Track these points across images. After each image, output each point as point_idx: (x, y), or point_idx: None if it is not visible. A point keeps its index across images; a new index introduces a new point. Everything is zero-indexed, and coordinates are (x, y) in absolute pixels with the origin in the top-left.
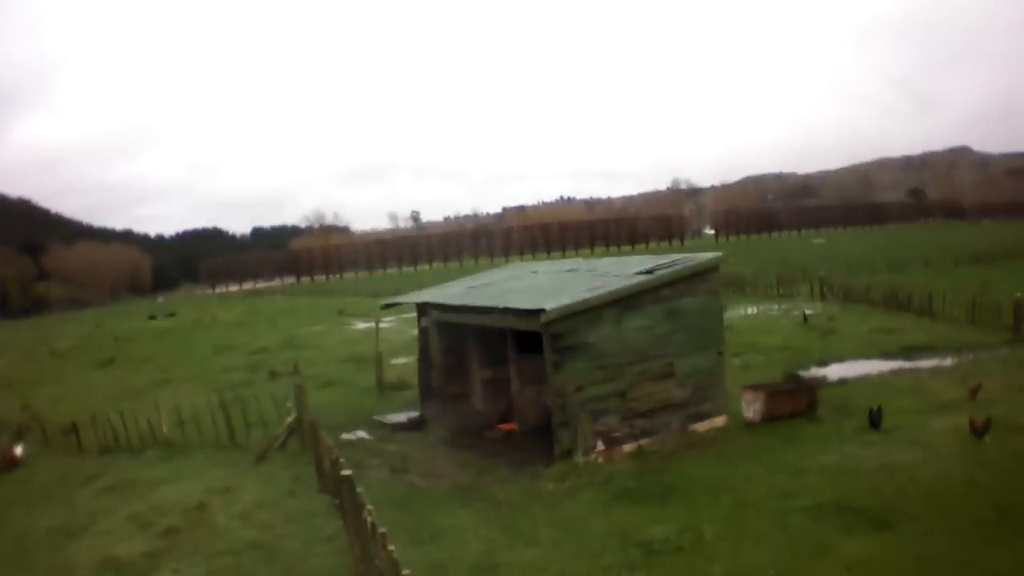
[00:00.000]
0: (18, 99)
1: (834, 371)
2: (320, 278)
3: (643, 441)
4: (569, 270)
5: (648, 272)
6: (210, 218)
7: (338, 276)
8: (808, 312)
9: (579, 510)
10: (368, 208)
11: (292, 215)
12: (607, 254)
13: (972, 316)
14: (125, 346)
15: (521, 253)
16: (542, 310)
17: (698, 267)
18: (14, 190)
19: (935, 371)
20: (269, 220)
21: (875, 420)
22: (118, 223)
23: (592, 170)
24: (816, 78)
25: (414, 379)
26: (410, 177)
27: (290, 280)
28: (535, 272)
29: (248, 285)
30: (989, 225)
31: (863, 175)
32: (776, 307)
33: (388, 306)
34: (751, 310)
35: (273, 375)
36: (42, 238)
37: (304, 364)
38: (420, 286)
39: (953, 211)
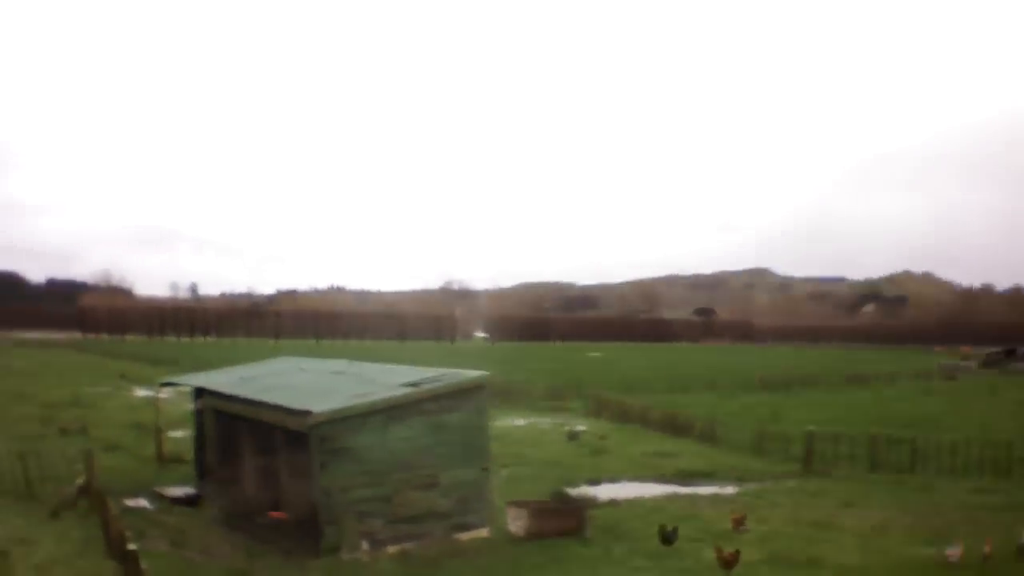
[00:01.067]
0: None
1: (605, 491)
2: (105, 336)
3: (407, 545)
4: (336, 372)
5: (414, 384)
6: (4, 261)
7: (121, 338)
8: (578, 429)
9: None
10: (151, 273)
11: (81, 270)
12: (376, 348)
13: (758, 445)
14: None
15: (292, 336)
16: (309, 412)
17: (463, 384)
18: None
19: (713, 499)
20: (61, 272)
21: (669, 538)
22: None
23: (363, 261)
24: (604, 191)
25: (190, 453)
26: (191, 248)
27: (77, 335)
28: (303, 370)
29: (44, 334)
30: (783, 350)
31: (648, 289)
32: (547, 420)
33: (166, 384)
34: (520, 421)
35: (63, 432)
36: None
37: (89, 424)
38: (196, 359)
39: (745, 333)
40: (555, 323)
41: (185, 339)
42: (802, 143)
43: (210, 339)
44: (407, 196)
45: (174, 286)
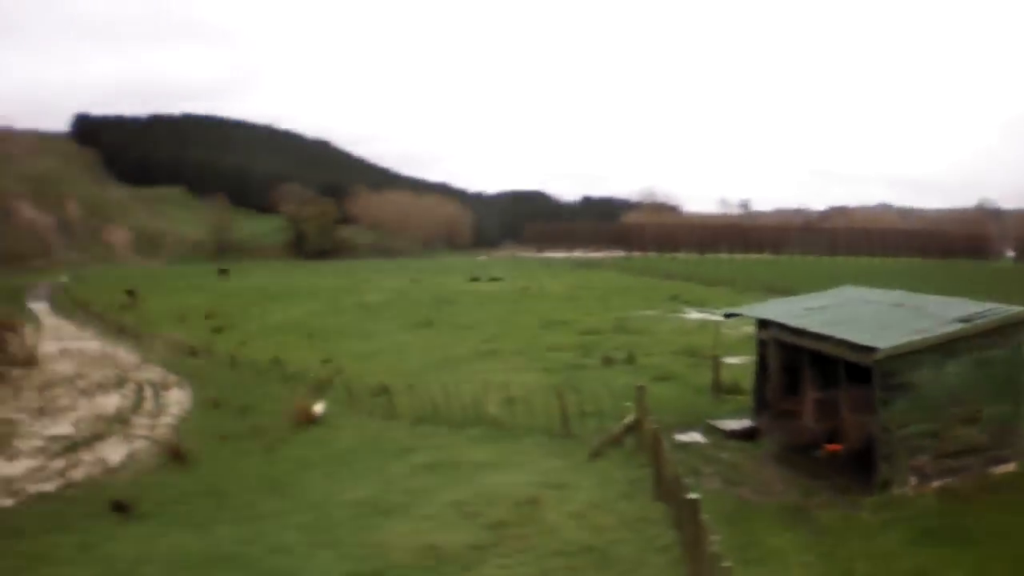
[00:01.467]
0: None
1: None
2: (652, 254)
3: (948, 480)
4: (896, 304)
5: (966, 320)
6: (532, 181)
7: (670, 256)
8: None
9: (890, 545)
10: (695, 189)
11: (617, 188)
12: (919, 265)
13: None
14: (445, 308)
15: (845, 253)
16: (875, 348)
17: (1010, 319)
18: (310, 131)
19: None
20: (594, 190)
21: None
22: (431, 174)
23: (905, 179)
24: None
25: (747, 383)
26: (739, 163)
27: (619, 253)
28: (867, 302)
29: (576, 253)
30: None
31: None
32: None
33: (730, 315)
34: None
35: (607, 361)
36: (344, 182)
37: (637, 351)
38: (749, 278)
39: None
40: None
41: (738, 256)
42: None
43: (763, 256)
44: (940, 104)
45: (724, 202)
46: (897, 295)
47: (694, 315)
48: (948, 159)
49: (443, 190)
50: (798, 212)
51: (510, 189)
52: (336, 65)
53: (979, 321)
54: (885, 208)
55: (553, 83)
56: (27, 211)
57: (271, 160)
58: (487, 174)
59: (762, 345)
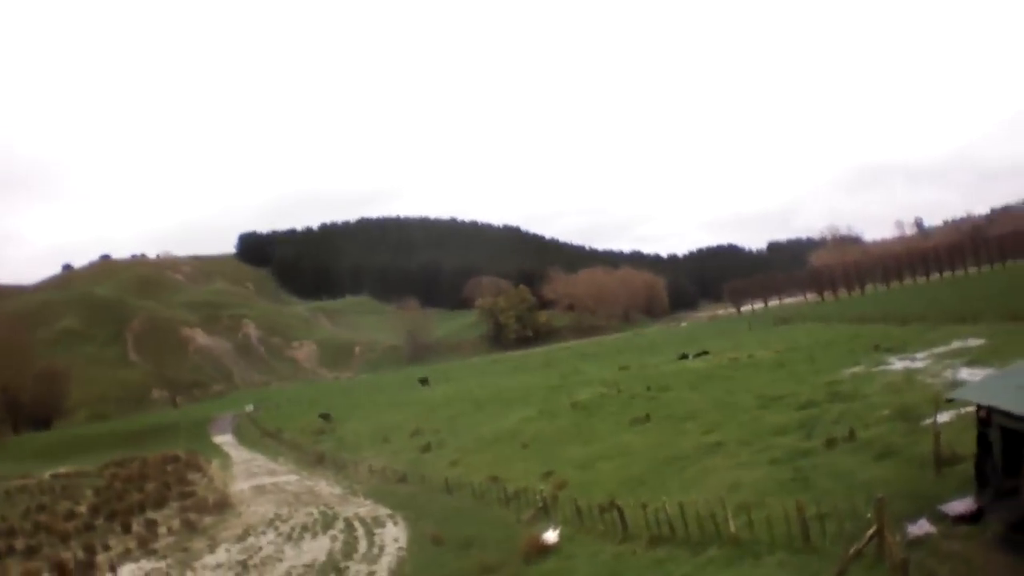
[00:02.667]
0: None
1: None
2: (842, 294)
3: None
4: None
5: None
6: (720, 234)
7: (858, 291)
8: None
9: None
10: (873, 215)
11: (800, 227)
12: None
13: None
14: (659, 397)
15: (1015, 258)
16: None
17: None
18: (497, 219)
19: None
20: (778, 233)
21: None
22: (621, 244)
23: None
24: None
25: (964, 447)
26: (904, 179)
27: (812, 296)
28: None
29: (772, 302)
30: None
31: None
32: None
33: (951, 400)
34: None
35: (830, 443)
36: (538, 266)
37: (855, 422)
38: (939, 309)
39: None
40: None
41: (920, 280)
42: None
43: (944, 277)
44: None
45: (899, 224)
46: None
47: (897, 364)
48: None
49: (636, 259)
50: (965, 220)
51: (699, 247)
52: (512, 149)
53: None
54: None
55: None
56: (200, 338)
57: (459, 254)
58: (677, 235)
59: (982, 422)
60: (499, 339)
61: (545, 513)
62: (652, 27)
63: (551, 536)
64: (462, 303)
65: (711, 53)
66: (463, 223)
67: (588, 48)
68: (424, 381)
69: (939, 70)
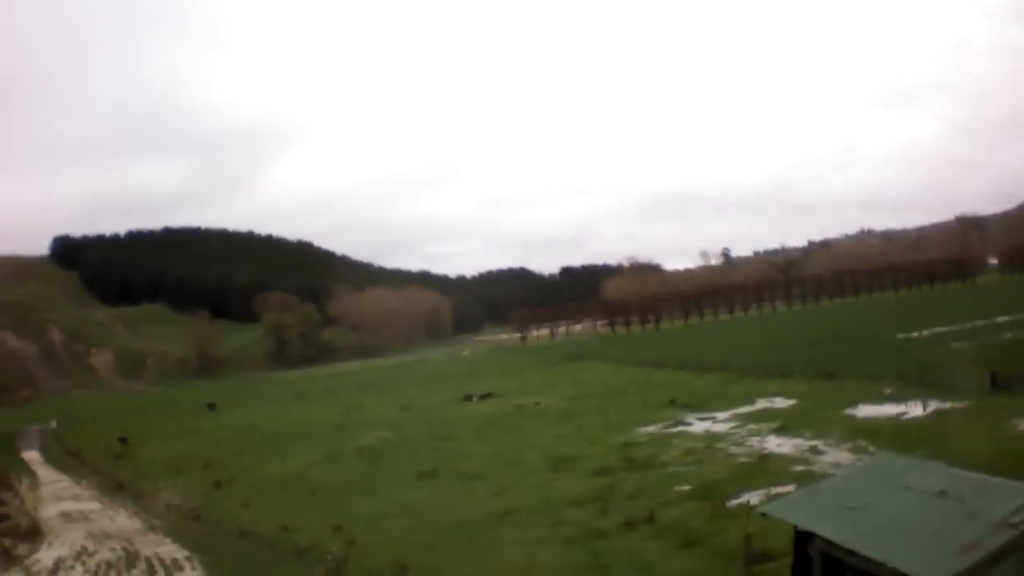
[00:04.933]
0: (289, 141)
1: None
2: (636, 328)
3: None
4: (939, 493)
5: (1015, 525)
6: (510, 256)
7: (654, 324)
8: None
9: None
10: (673, 244)
11: (596, 253)
12: (910, 295)
13: None
14: (444, 446)
15: (831, 297)
16: None
17: None
18: (292, 233)
19: None
20: (574, 258)
21: None
22: (411, 262)
23: (878, 201)
24: None
25: (775, 538)
26: (712, 210)
27: (603, 326)
28: (908, 490)
29: (561, 330)
30: None
31: None
32: None
33: (764, 515)
34: None
35: (628, 525)
36: (328, 282)
37: (650, 496)
38: (737, 351)
39: None
40: None
41: (723, 316)
42: None
43: (750, 314)
44: (909, 126)
45: (704, 254)
46: (937, 474)
47: (698, 427)
48: (920, 173)
49: (424, 278)
50: (778, 253)
51: (489, 269)
52: (311, 161)
53: None
54: (866, 234)
55: (508, 155)
56: (11, 341)
57: (252, 268)
58: (468, 255)
59: (799, 535)
60: (282, 355)
61: (337, 573)
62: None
63: None
64: (251, 317)
65: (513, 69)
66: (258, 236)
67: (375, 58)
68: (212, 407)
69: (751, 103)
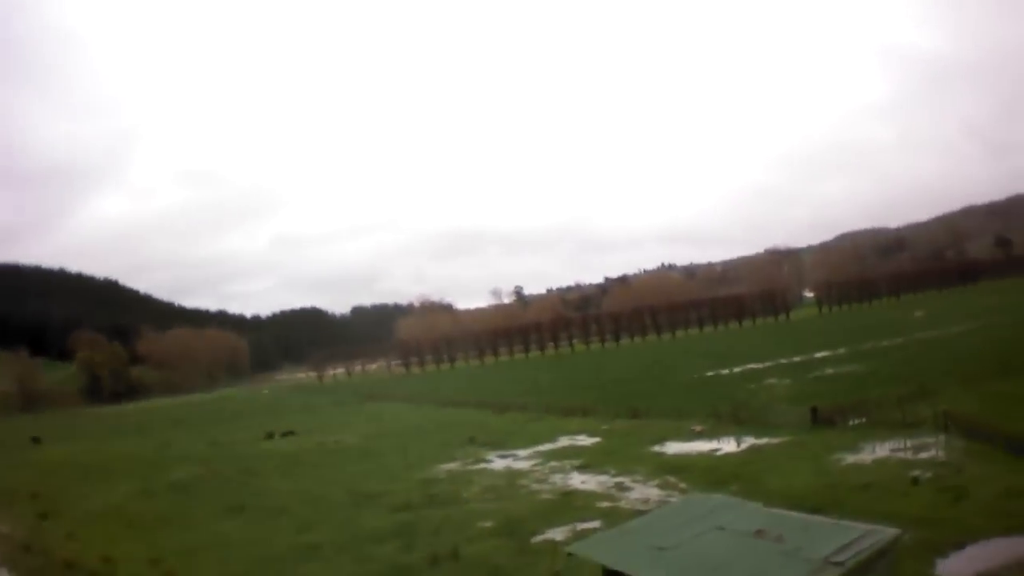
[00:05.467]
0: (92, 177)
1: None
2: (431, 367)
3: None
4: (757, 533)
5: (839, 564)
6: (303, 296)
7: (448, 364)
8: (915, 474)
9: None
10: (465, 282)
11: (388, 291)
12: (716, 332)
13: None
14: (250, 482)
15: (631, 335)
16: None
17: (883, 549)
18: (99, 270)
19: None
20: (365, 297)
21: None
22: (209, 301)
23: (683, 235)
24: (890, 128)
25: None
26: (504, 248)
27: (398, 366)
28: (721, 531)
29: (356, 369)
30: None
31: (951, 225)
32: (900, 447)
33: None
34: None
35: (433, 561)
36: (133, 321)
37: (453, 532)
38: (538, 389)
39: None
40: (876, 281)
41: (519, 355)
42: None
43: (546, 354)
44: (715, 160)
45: (496, 292)
46: (753, 514)
47: (499, 464)
48: (727, 207)
49: (222, 318)
50: (572, 290)
51: (283, 309)
52: (118, 192)
53: (853, 562)
54: (667, 269)
55: (300, 192)
56: None
57: (64, 305)
58: (262, 294)
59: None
60: (95, 392)
61: None
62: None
63: None
64: (66, 354)
65: (299, 106)
66: (69, 272)
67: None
68: (36, 440)
69: (542, 138)
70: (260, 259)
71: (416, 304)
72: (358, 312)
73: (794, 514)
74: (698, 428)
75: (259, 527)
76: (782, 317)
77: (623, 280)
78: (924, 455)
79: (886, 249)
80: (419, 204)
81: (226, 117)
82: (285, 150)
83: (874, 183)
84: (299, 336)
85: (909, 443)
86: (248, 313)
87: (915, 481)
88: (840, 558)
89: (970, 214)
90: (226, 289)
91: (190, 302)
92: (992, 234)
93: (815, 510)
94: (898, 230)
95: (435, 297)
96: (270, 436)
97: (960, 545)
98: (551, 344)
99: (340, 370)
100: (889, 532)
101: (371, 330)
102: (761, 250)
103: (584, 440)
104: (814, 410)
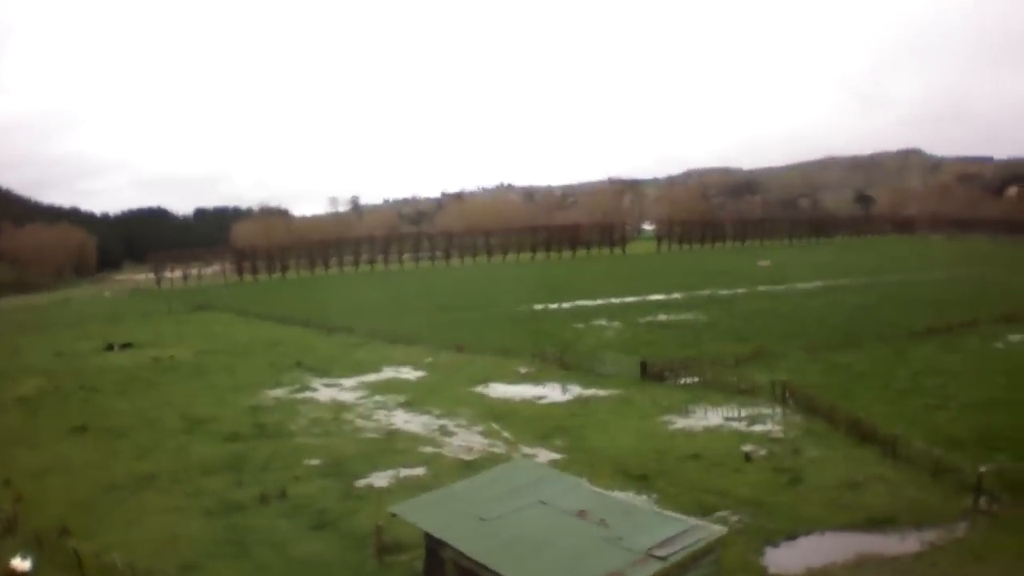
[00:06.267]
0: None
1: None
2: (264, 276)
3: None
4: (579, 513)
5: (662, 558)
6: (151, 195)
7: (280, 274)
8: (749, 449)
9: None
10: (309, 188)
11: (230, 194)
12: (550, 260)
13: (936, 465)
14: (93, 401)
15: (462, 256)
16: None
17: (707, 547)
18: None
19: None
20: (209, 199)
21: None
22: (63, 198)
23: (529, 155)
24: (763, 75)
25: (411, 533)
26: (349, 156)
27: (232, 270)
28: (543, 503)
29: (193, 273)
30: (939, 241)
31: (808, 174)
32: (734, 416)
33: (395, 515)
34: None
35: (263, 500)
36: None
37: (282, 468)
38: (362, 309)
39: (903, 224)
40: (722, 223)
41: (349, 269)
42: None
43: (376, 268)
44: (572, 86)
45: (333, 201)
46: (576, 491)
47: (324, 394)
48: (573, 130)
49: (74, 216)
50: (409, 203)
51: (130, 208)
52: None
53: (675, 558)
54: (505, 190)
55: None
56: None
57: None
58: (113, 192)
59: (430, 538)
60: None
61: (11, 532)
62: None
63: (23, 564)
64: None
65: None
66: None
67: None
68: None
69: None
70: (113, 157)
71: (254, 209)
72: (201, 214)
73: (618, 497)
74: (524, 370)
75: (100, 450)
76: (619, 250)
77: (459, 197)
78: (759, 428)
79: (735, 190)
80: (261, 105)
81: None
82: (141, 50)
83: (728, 122)
84: (144, 235)
85: (743, 412)
86: (98, 211)
87: (748, 457)
88: (663, 552)
89: (830, 165)
90: (80, 186)
91: (47, 198)
92: (852, 188)
93: (641, 478)
94: (750, 172)
95: (273, 202)
96: (110, 348)
97: (792, 535)
98: (382, 259)
99: (177, 274)
100: (714, 530)
101: (213, 233)
102: (604, 178)
103: (408, 373)
104: (644, 364)
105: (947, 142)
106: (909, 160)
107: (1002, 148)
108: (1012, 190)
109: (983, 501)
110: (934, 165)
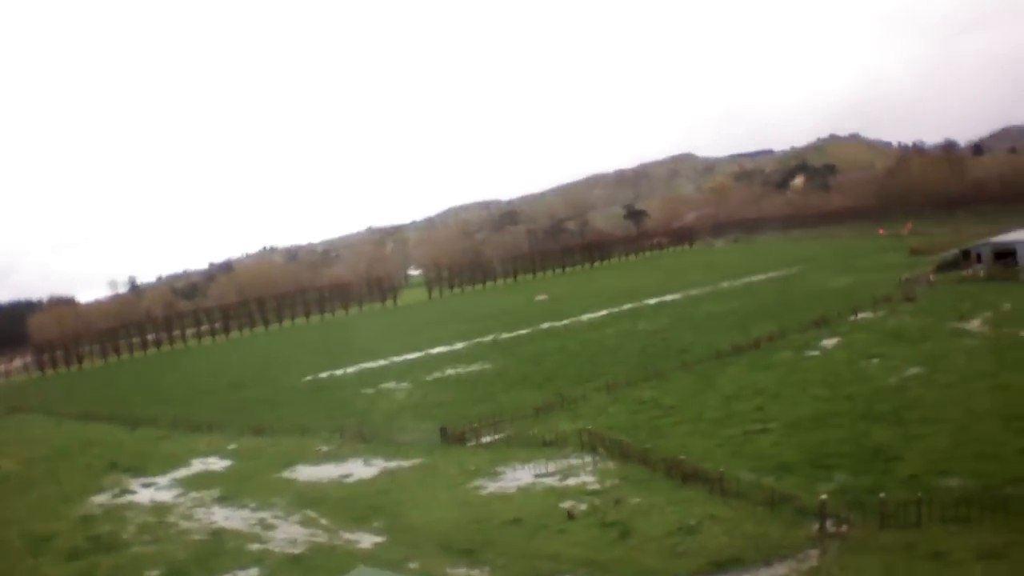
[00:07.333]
0: None
1: None
2: (63, 368)
3: None
4: None
5: None
6: None
7: (77, 365)
8: (569, 505)
9: None
10: (90, 272)
11: (24, 285)
12: (324, 321)
13: (771, 495)
14: None
15: (240, 327)
16: None
17: None
18: None
19: None
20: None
21: None
22: None
23: (289, 214)
24: (516, 97)
25: None
26: (122, 237)
27: (35, 368)
28: None
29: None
30: (725, 247)
31: (573, 194)
32: (545, 472)
33: None
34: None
35: None
36: None
37: None
38: (170, 413)
39: (682, 234)
40: (491, 262)
41: (139, 352)
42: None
43: (163, 349)
44: (325, 136)
45: (113, 283)
46: None
47: (144, 496)
48: (327, 183)
49: None
50: (180, 277)
51: None
52: None
53: None
54: (269, 253)
55: None
56: None
57: None
58: None
59: None
60: None
61: None
62: None
63: None
64: None
65: None
66: None
67: None
68: None
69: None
70: None
71: (45, 300)
72: None
73: None
74: (324, 448)
75: None
76: (389, 302)
77: (227, 266)
78: (573, 481)
79: (497, 222)
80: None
81: None
82: None
83: (483, 153)
84: None
85: (553, 467)
86: None
87: (570, 515)
88: None
89: (596, 183)
90: None
91: None
92: (622, 204)
93: (467, 553)
94: (510, 202)
95: (61, 291)
96: None
97: None
98: (166, 337)
99: None
100: None
101: (8, 328)
102: (364, 228)
103: (216, 463)
104: (443, 429)
105: (720, 142)
106: (679, 166)
107: (784, 139)
108: (798, 180)
109: (829, 524)
110: (707, 168)
